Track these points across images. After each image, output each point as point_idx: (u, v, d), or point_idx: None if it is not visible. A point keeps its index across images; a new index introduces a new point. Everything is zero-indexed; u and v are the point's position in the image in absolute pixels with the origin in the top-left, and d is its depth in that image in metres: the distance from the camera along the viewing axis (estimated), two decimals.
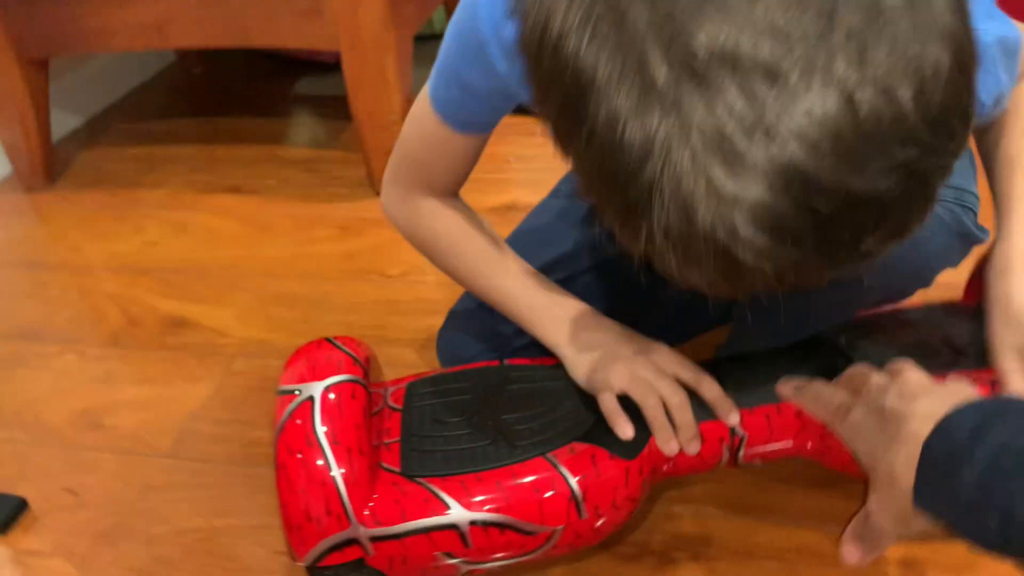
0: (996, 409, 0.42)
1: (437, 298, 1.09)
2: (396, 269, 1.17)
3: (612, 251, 0.83)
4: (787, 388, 0.65)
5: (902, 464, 0.44)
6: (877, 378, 0.54)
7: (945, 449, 0.41)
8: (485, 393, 0.69)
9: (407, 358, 1.00)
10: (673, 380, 0.64)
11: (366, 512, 0.60)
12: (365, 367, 0.67)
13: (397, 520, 0.61)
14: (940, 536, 0.45)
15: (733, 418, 0.64)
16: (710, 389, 0.64)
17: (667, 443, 0.63)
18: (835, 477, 0.69)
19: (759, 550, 0.74)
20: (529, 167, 1.40)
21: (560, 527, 0.62)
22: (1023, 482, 0.37)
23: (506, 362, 0.74)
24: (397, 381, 0.74)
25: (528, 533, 0.62)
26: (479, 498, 0.61)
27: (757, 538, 0.75)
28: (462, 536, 0.61)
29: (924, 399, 0.47)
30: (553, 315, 0.70)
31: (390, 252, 1.21)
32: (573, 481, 0.61)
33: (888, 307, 0.75)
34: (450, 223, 0.74)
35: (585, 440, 0.64)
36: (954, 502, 0.40)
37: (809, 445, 0.65)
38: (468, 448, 0.64)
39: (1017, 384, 0.56)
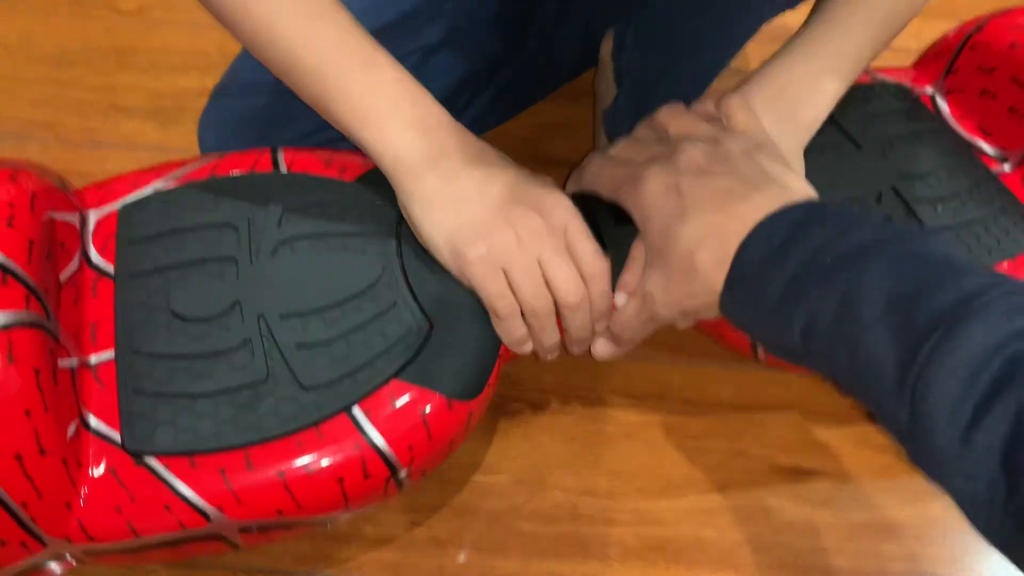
0: (815, 212, 0.41)
1: (193, 47, 0.85)
2: (133, 2, 0.91)
3: None
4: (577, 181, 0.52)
5: (709, 263, 0.42)
6: (658, 148, 0.48)
7: (760, 255, 0.41)
8: (251, 239, 0.47)
9: (146, 136, 0.79)
10: (576, 274, 0.47)
11: (71, 524, 0.42)
12: (36, 260, 0.42)
13: (124, 535, 0.42)
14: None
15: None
16: (600, 298, 0.48)
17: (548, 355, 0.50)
18: None
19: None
20: None
21: (370, 504, 0.47)
22: (832, 287, 0.38)
23: (283, 158, 0.50)
24: (106, 192, 0.50)
25: (324, 524, 0.47)
26: (251, 500, 0.42)
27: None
28: (229, 542, 0.45)
29: (721, 180, 0.44)
30: (395, 107, 0.46)
31: None
32: (393, 456, 0.44)
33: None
34: None
35: (411, 375, 0.45)
36: (760, 306, 0.41)
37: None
38: (226, 393, 0.44)
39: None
